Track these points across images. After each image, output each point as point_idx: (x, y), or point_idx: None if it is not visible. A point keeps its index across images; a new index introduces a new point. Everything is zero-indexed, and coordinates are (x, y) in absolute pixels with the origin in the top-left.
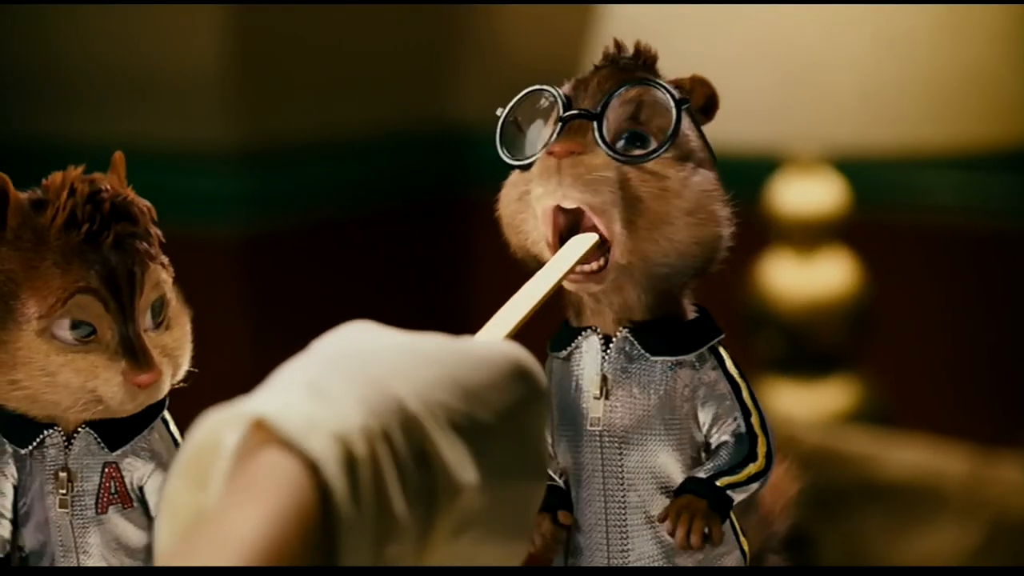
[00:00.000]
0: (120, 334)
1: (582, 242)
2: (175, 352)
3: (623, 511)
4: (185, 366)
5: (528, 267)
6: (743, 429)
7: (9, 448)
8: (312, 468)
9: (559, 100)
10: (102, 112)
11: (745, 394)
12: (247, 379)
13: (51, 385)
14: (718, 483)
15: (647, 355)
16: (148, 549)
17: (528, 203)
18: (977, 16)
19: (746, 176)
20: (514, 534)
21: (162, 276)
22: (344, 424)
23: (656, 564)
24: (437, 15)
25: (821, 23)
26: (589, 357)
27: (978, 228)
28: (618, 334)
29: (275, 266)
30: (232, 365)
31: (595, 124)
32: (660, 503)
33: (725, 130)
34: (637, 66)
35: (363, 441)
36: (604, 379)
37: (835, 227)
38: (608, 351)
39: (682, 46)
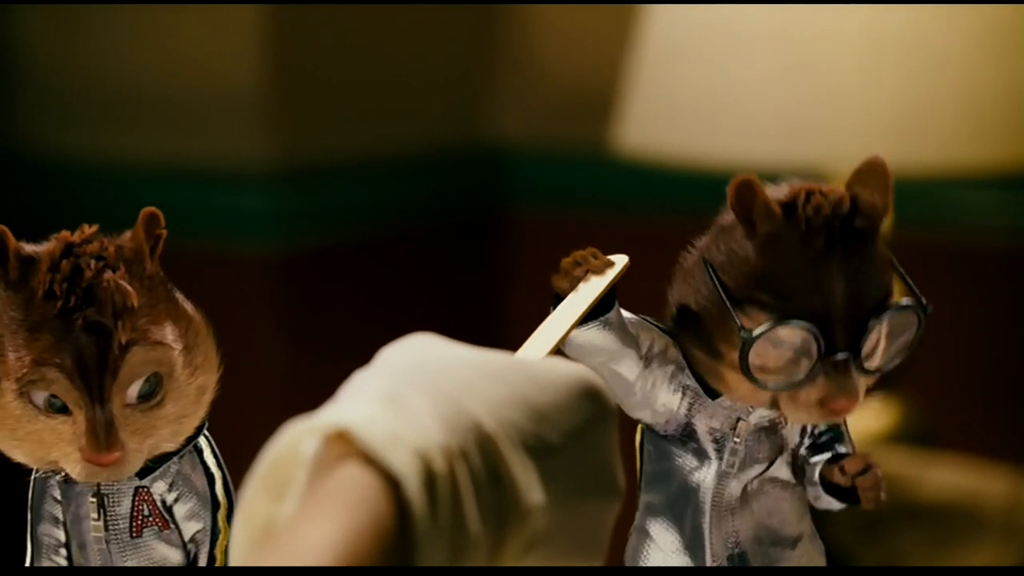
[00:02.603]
0: (85, 412)
1: (617, 264)
2: (156, 428)
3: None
4: (178, 438)
5: None
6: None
7: (57, 479)
8: (392, 484)
9: (819, 342)
10: (143, 130)
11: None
12: (285, 396)
13: (20, 449)
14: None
15: None
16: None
17: (763, 398)
18: (1016, 34)
19: None
20: (587, 552)
21: (152, 354)
22: (425, 441)
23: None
24: (475, 34)
25: (860, 42)
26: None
27: (1017, 247)
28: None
29: (313, 284)
30: (270, 383)
31: (858, 368)
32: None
33: (763, 149)
34: (870, 251)
35: (443, 459)
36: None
37: None
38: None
39: (721, 66)
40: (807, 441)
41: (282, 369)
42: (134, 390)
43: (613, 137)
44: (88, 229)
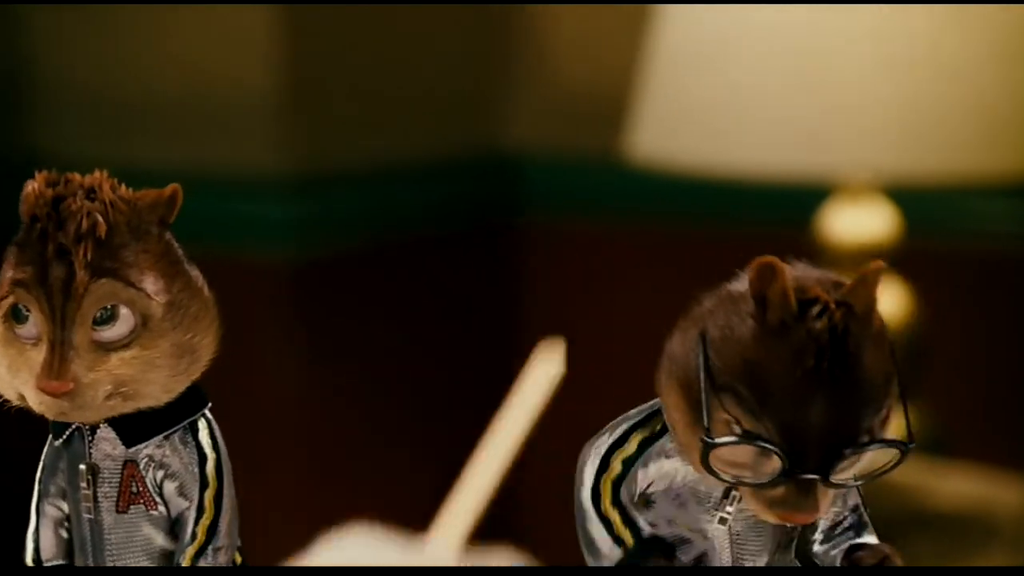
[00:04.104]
0: (48, 338)
1: (546, 375)
2: (121, 368)
3: None
4: (145, 392)
5: None
6: (866, 514)
7: (58, 443)
8: None
9: (785, 460)
10: (155, 138)
11: (859, 489)
12: (299, 402)
13: (3, 374)
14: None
15: None
16: (168, 554)
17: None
18: None
19: (797, 204)
20: None
21: (122, 293)
22: None
23: None
24: (489, 42)
25: (872, 52)
26: None
27: None
28: None
29: (327, 291)
30: (284, 390)
31: (825, 485)
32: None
33: (775, 158)
34: (853, 382)
35: None
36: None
37: (886, 255)
38: None
39: (733, 75)
40: (820, 532)
41: (296, 375)
42: (100, 325)
43: (626, 145)
44: (101, 173)
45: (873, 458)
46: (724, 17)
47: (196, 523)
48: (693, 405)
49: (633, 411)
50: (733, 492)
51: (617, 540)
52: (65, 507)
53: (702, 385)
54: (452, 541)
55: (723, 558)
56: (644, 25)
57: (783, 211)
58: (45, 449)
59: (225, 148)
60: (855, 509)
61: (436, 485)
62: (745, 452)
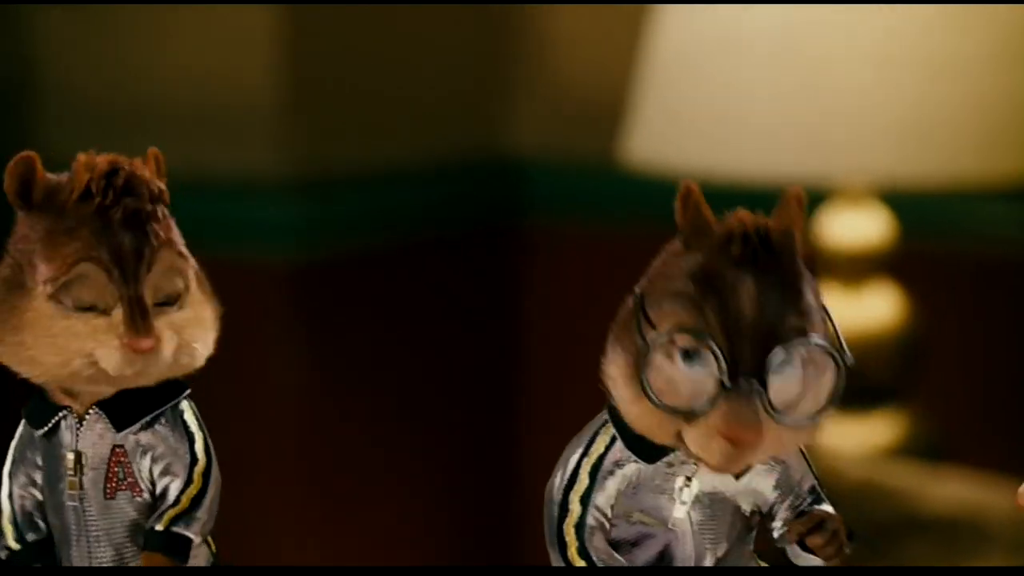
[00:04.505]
0: (121, 299)
1: None
2: (184, 329)
3: None
4: (199, 351)
5: None
6: (821, 494)
7: (36, 436)
8: None
9: (721, 360)
10: (157, 141)
11: (813, 469)
12: (300, 404)
13: (53, 347)
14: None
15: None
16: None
17: (670, 429)
18: None
19: None
20: None
21: (177, 261)
22: None
23: None
24: (491, 45)
25: (871, 56)
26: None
27: None
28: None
29: (329, 294)
30: (285, 392)
31: (762, 399)
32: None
33: (774, 162)
34: (782, 275)
35: None
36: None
37: (883, 259)
38: (699, 466)
39: (730, 80)
40: (780, 521)
41: (297, 378)
42: (161, 288)
43: (627, 149)
44: (105, 155)
45: (815, 396)
46: (721, 22)
47: (182, 491)
48: (634, 352)
49: (575, 438)
50: (684, 496)
51: None
52: (38, 495)
53: (637, 314)
54: None
55: (686, 548)
56: (647, 30)
57: None
58: (14, 442)
59: (226, 150)
60: (812, 491)
61: (437, 487)
62: (680, 379)
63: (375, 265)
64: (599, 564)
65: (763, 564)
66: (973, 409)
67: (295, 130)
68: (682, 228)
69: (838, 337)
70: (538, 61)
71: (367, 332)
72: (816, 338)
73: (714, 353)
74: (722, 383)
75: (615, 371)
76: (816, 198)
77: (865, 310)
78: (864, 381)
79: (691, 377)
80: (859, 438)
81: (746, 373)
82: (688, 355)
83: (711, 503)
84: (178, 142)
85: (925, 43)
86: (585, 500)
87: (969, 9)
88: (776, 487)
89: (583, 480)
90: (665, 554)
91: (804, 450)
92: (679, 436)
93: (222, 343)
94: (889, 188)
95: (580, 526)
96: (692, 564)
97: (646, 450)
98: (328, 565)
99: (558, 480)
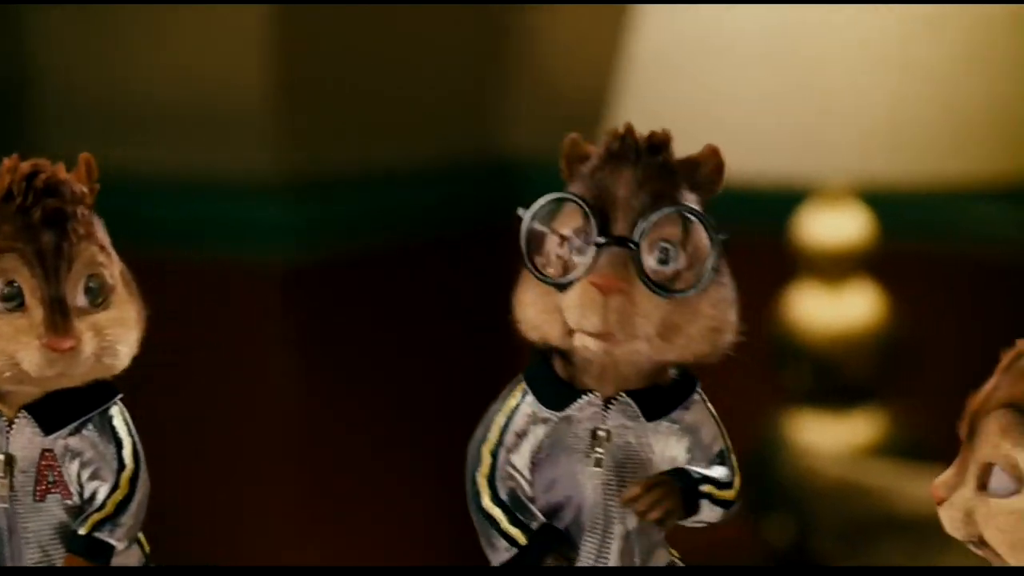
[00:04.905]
0: (42, 299)
1: None
2: (106, 329)
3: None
4: (122, 351)
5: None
6: (727, 460)
7: None
8: None
9: (592, 219)
10: (150, 142)
11: (725, 435)
12: (296, 405)
13: None
14: (701, 487)
15: (644, 419)
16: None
17: (558, 317)
18: (1002, 48)
19: (773, 208)
20: None
21: (99, 258)
22: None
23: None
24: (485, 45)
25: (850, 58)
26: (590, 414)
27: (1005, 260)
28: (618, 398)
29: (323, 296)
30: (281, 393)
31: (635, 257)
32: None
33: (753, 162)
34: (658, 163)
35: None
36: (607, 434)
37: (863, 259)
38: (609, 411)
39: (710, 81)
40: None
41: (293, 379)
42: (83, 287)
43: None
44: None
45: (689, 266)
46: (703, 22)
47: (108, 496)
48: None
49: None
50: (600, 433)
51: (508, 539)
52: None
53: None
54: None
55: (595, 508)
56: (632, 29)
57: (761, 215)
58: None
59: (221, 151)
60: (720, 455)
61: (433, 489)
62: (558, 251)
63: (372, 266)
64: (514, 514)
65: (674, 553)
66: (951, 408)
67: (292, 131)
68: (568, 164)
69: (713, 232)
70: (536, 61)
71: (365, 333)
72: (686, 206)
73: (586, 213)
74: (597, 246)
75: (518, 293)
76: (796, 198)
77: (845, 309)
78: (843, 380)
79: (572, 254)
80: (837, 437)
81: (619, 236)
82: (563, 239)
83: (621, 467)
84: (174, 143)
85: (904, 44)
86: (496, 452)
87: (947, 10)
88: (688, 451)
89: (494, 433)
90: (579, 517)
91: (716, 415)
92: (566, 326)
93: (221, 345)
94: (869, 188)
95: (492, 477)
96: (600, 531)
97: (554, 398)
98: (325, 566)
99: (477, 434)
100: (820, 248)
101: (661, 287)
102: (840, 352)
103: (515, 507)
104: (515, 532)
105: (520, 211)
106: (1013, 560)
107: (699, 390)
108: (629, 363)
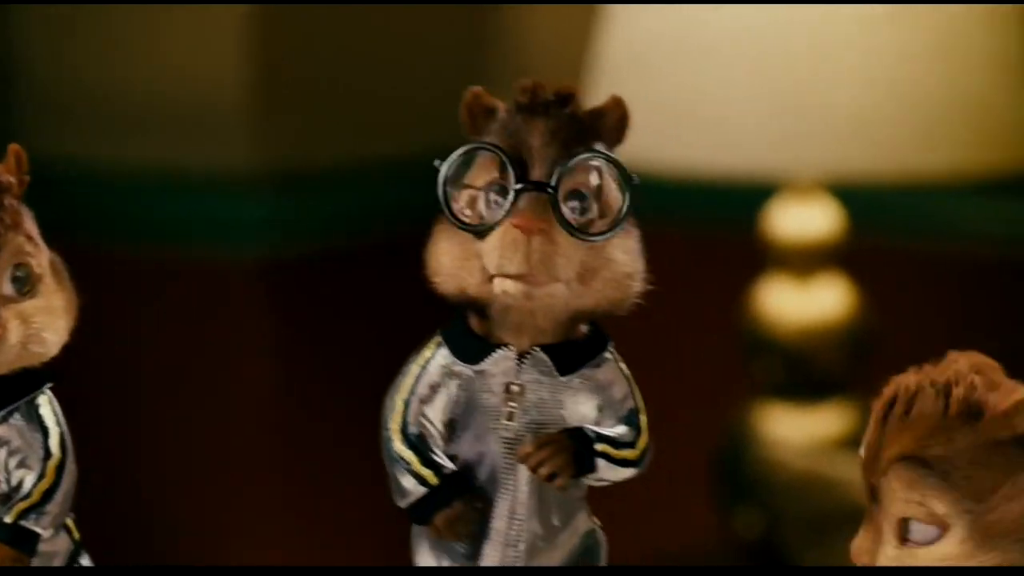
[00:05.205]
0: None
1: None
2: (33, 317)
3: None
4: (50, 340)
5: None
6: (634, 419)
7: None
8: None
9: (509, 167)
10: (128, 137)
11: (637, 394)
12: (274, 401)
13: None
14: (596, 446)
15: (557, 374)
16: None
17: (476, 264)
18: (971, 42)
19: (743, 202)
20: None
21: (26, 247)
22: None
23: (537, 538)
24: (464, 39)
25: (817, 51)
26: (504, 368)
27: (973, 254)
28: (533, 352)
29: (302, 291)
30: (259, 389)
31: (553, 201)
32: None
33: (723, 156)
34: (568, 115)
35: None
36: (521, 388)
37: (832, 253)
38: (522, 365)
39: (678, 74)
40: (603, 442)
41: (271, 375)
42: (9, 276)
43: None
44: None
45: (604, 210)
46: (674, 19)
47: (34, 485)
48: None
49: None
50: (514, 387)
51: (419, 479)
52: None
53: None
54: None
55: (508, 463)
56: (603, 27)
57: (731, 209)
58: None
59: (200, 147)
60: (630, 413)
61: None
62: (477, 201)
63: (350, 262)
64: (426, 455)
65: (596, 521)
66: None
67: (270, 127)
68: (475, 129)
69: (626, 178)
70: (513, 57)
71: (343, 329)
72: (602, 151)
73: (503, 162)
74: (515, 191)
75: (432, 244)
76: (766, 192)
77: (814, 303)
78: (813, 373)
79: (490, 204)
80: (806, 429)
81: (537, 181)
82: (480, 187)
83: (534, 422)
84: (151, 138)
85: (871, 39)
86: (408, 401)
87: (914, 6)
88: (598, 408)
89: (408, 382)
90: (494, 478)
91: (628, 374)
92: (484, 273)
93: (197, 341)
94: (839, 182)
95: (404, 424)
96: (512, 486)
97: (468, 352)
98: (302, 565)
99: (393, 385)
100: (790, 242)
101: (579, 231)
102: (810, 346)
103: (427, 452)
104: (427, 473)
105: (436, 162)
106: None
107: (611, 348)
108: (545, 314)
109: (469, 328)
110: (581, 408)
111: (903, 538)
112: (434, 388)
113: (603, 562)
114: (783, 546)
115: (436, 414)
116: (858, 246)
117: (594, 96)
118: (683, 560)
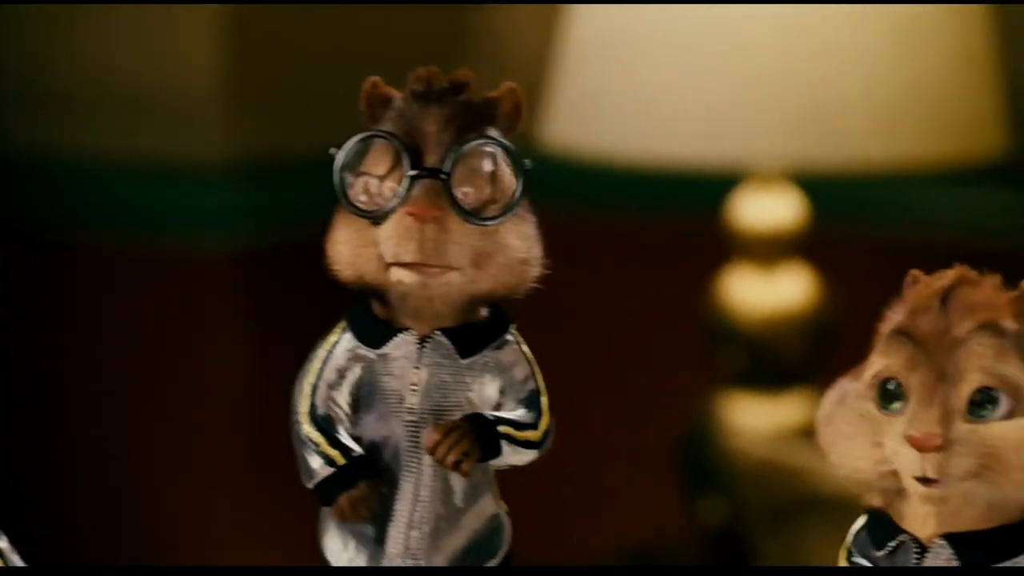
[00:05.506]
0: None
1: None
2: None
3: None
4: None
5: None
6: (535, 401)
7: None
8: None
9: (404, 154)
10: (102, 126)
11: (538, 376)
12: (248, 392)
13: None
14: (499, 428)
15: (459, 356)
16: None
17: (372, 251)
18: (932, 32)
19: (706, 192)
20: None
21: None
22: None
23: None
24: (438, 28)
25: (776, 41)
26: (405, 352)
27: (935, 243)
28: (433, 336)
29: (273, 281)
30: (230, 379)
31: (447, 187)
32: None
33: (686, 146)
34: (462, 102)
35: None
36: (423, 372)
37: (795, 242)
38: (424, 349)
39: (641, 65)
40: (506, 416)
41: (244, 365)
42: None
43: (547, 134)
44: None
45: (498, 196)
46: (636, 12)
47: None
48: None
49: None
50: (415, 371)
51: (327, 459)
52: None
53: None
54: None
55: (411, 447)
56: (567, 19)
57: (694, 199)
58: None
59: (174, 136)
60: (531, 395)
61: None
62: (375, 188)
63: (320, 252)
64: (334, 437)
65: (503, 505)
66: None
67: (243, 116)
68: (373, 117)
69: (518, 163)
70: (487, 46)
71: (316, 318)
72: (495, 138)
73: (398, 149)
74: (409, 178)
75: (331, 233)
76: (729, 182)
77: (777, 292)
78: (776, 362)
79: (387, 191)
80: (770, 418)
81: (431, 168)
82: (377, 176)
83: (437, 406)
84: (123, 128)
85: (830, 29)
86: (316, 385)
87: None
88: (500, 390)
89: (315, 366)
90: (397, 457)
91: (530, 356)
92: (381, 260)
93: (170, 329)
94: (800, 171)
95: (312, 408)
96: (416, 470)
97: (371, 336)
98: (276, 556)
99: (302, 371)
100: (753, 231)
101: (472, 215)
102: (773, 335)
103: (335, 434)
104: (334, 454)
105: (332, 151)
106: None
107: (513, 330)
108: (443, 299)
109: (372, 312)
110: (483, 390)
111: (971, 414)
112: (340, 372)
113: (507, 545)
114: (746, 534)
115: (343, 397)
116: (821, 235)
117: (563, 88)
118: (647, 547)
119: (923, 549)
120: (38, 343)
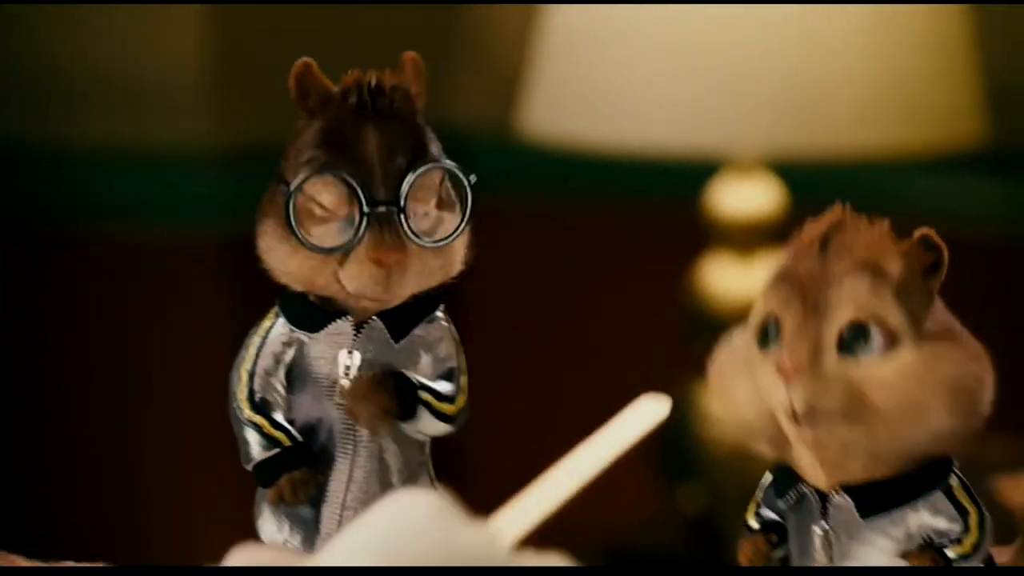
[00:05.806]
0: None
1: (648, 415)
2: None
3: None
4: None
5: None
6: (455, 377)
7: None
8: None
9: (359, 192)
10: (87, 115)
11: (461, 357)
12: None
13: None
14: (420, 393)
15: (392, 341)
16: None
17: (326, 267)
18: (909, 20)
19: (684, 180)
20: None
21: None
22: None
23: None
24: (424, 17)
25: (754, 30)
26: (340, 338)
27: (911, 230)
28: (369, 321)
29: (257, 269)
30: (215, 367)
31: (403, 221)
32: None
33: (664, 135)
34: (394, 113)
35: None
36: (356, 355)
37: (773, 230)
38: (359, 335)
39: (617, 52)
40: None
41: (230, 352)
42: None
43: (519, 122)
44: None
45: (451, 217)
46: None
47: None
48: (283, 217)
49: None
50: (349, 355)
51: (270, 441)
52: None
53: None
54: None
55: (345, 429)
56: (545, 11)
57: (672, 187)
58: None
59: (159, 125)
60: (450, 371)
61: None
62: (326, 222)
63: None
64: (275, 420)
65: (438, 486)
66: None
67: (228, 103)
68: (303, 101)
69: (464, 177)
70: (475, 35)
71: None
72: (443, 161)
73: (351, 186)
74: (364, 215)
75: (268, 240)
76: (707, 170)
77: (756, 280)
78: None
79: (340, 224)
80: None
81: (384, 202)
82: (329, 207)
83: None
84: (108, 116)
85: (808, 17)
86: (252, 371)
87: None
88: (427, 365)
89: (251, 353)
90: (332, 439)
91: (456, 337)
92: (336, 278)
93: (156, 317)
94: (778, 159)
95: (251, 394)
96: (351, 451)
97: (307, 321)
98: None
99: (238, 357)
100: (731, 219)
101: (429, 238)
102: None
103: (274, 418)
104: (279, 435)
105: (283, 188)
106: (902, 420)
107: (441, 310)
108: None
109: (307, 298)
110: (415, 369)
111: (842, 348)
112: (276, 357)
113: None
114: (723, 521)
115: (279, 381)
116: (799, 223)
117: (542, 76)
118: (625, 535)
119: (824, 499)
120: (24, 332)
